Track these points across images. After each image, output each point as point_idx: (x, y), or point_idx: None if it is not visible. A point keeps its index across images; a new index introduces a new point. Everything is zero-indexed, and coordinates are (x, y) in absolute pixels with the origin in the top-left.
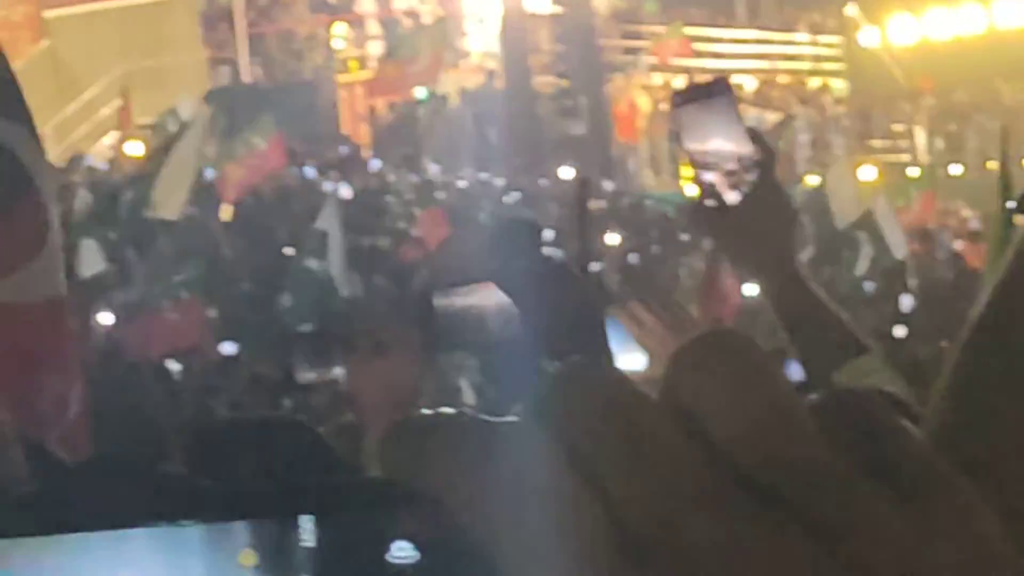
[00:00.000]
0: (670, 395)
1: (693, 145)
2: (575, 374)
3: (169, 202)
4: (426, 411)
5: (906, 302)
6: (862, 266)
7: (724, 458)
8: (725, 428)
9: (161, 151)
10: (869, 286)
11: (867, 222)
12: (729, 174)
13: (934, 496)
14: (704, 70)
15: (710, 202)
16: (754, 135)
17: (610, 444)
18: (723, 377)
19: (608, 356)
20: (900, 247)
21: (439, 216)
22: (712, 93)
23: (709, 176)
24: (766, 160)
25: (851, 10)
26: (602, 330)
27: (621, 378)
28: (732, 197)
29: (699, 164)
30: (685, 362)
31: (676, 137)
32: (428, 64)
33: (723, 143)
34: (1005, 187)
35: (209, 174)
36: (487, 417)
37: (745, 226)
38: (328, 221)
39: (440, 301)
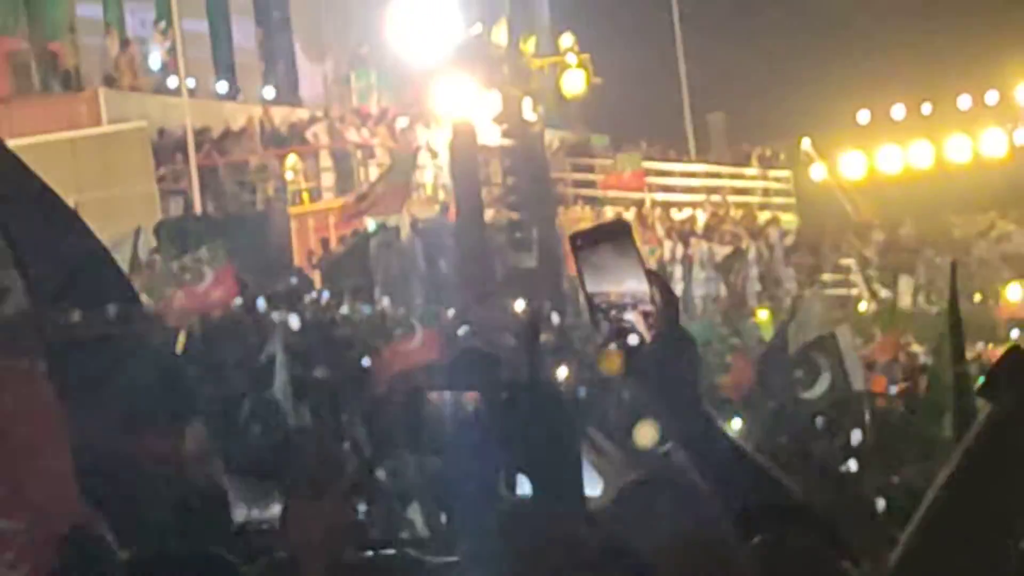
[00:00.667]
0: (613, 531)
1: (594, 287)
2: (523, 513)
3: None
4: (365, 552)
5: (856, 436)
6: (818, 389)
7: None
8: (663, 569)
9: None
10: (819, 421)
11: (828, 347)
12: (630, 316)
13: None
14: (655, 202)
15: (613, 345)
16: (655, 277)
17: None
18: (664, 521)
19: (573, 485)
20: (859, 378)
21: (397, 349)
22: (612, 234)
23: (610, 319)
24: (669, 302)
25: (805, 144)
26: (571, 456)
27: (567, 517)
28: (634, 339)
29: (601, 307)
30: (630, 503)
31: (579, 279)
32: (388, 196)
33: (624, 284)
34: (954, 323)
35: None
36: (430, 558)
37: (650, 369)
38: (275, 350)
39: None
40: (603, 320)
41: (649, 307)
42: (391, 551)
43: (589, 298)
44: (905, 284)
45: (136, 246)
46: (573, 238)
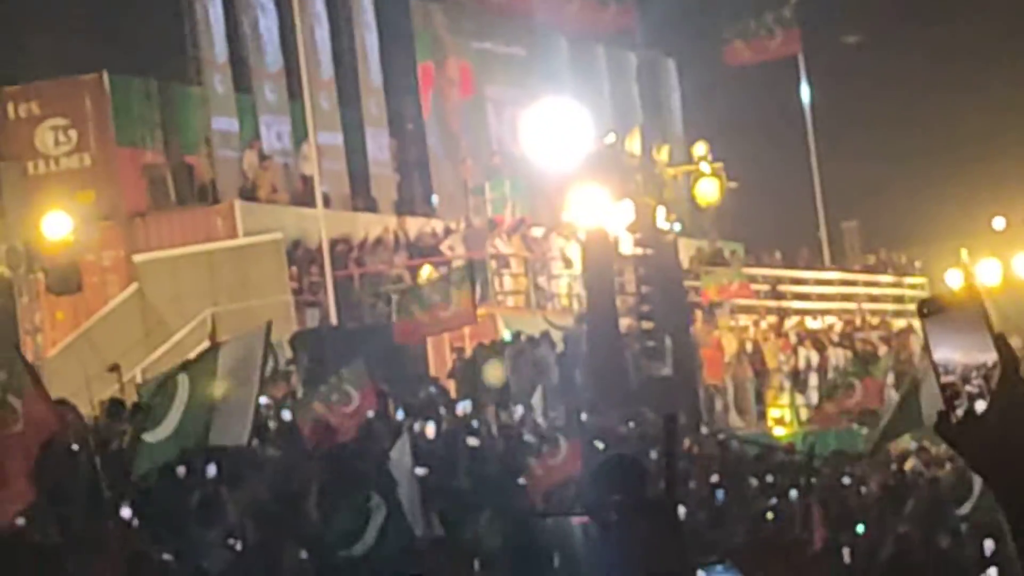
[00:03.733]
0: None
1: (939, 355)
2: None
3: (230, 431)
4: None
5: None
6: (967, 507)
7: None
8: None
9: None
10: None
11: None
12: (974, 383)
13: None
14: (789, 310)
15: (957, 412)
16: (1000, 342)
17: None
18: None
19: None
20: None
21: (547, 464)
22: (962, 304)
23: (954, 385)
24: (1008, 364)
25: (963, 255)
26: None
27: None
28: (979, 406)
29: (944, 373)
30: None
31: (926, 346)
32: (459, 309)
33: (969, 352)
34: None
35: (286, 415)
36: None
37: (991, 432)
38: (401, 454)
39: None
40: (947, 386)
41: (992, 372)
42: None
43: (934, 366)
44: None
45: (276, 354)
46: (921, 305)
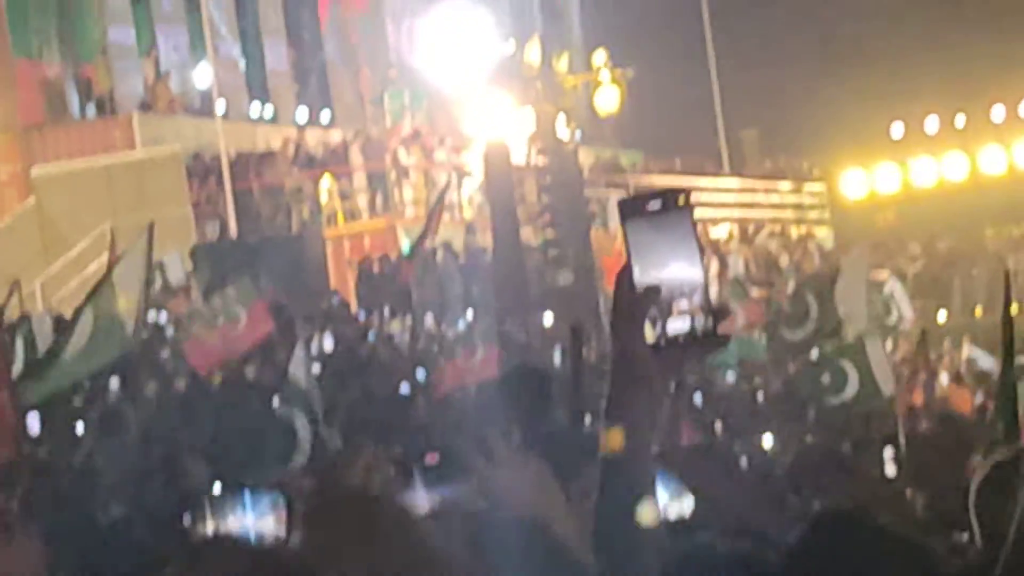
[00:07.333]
0: None
1: (642, 274)
2: None
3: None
4: None
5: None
6: (847, 394)
7: None
8: None
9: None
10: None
11: (856, 352)
12: (684, 305)
13: None
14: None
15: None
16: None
17: None
18: None
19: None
20: (888, 383)
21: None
22: (667, 206)
23: (663, 318)
24: (721, 311)
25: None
26: None
27: None
28: (684, 325)
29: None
30: None
31: (627, 255)
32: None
33: (675, 268)
34: (1007, 331)
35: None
36: None
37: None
38: (297, 367)
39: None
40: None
41: (701, 298)
42: None
43: (630, 269)
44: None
45: (165, 271)
46: (622, 204)
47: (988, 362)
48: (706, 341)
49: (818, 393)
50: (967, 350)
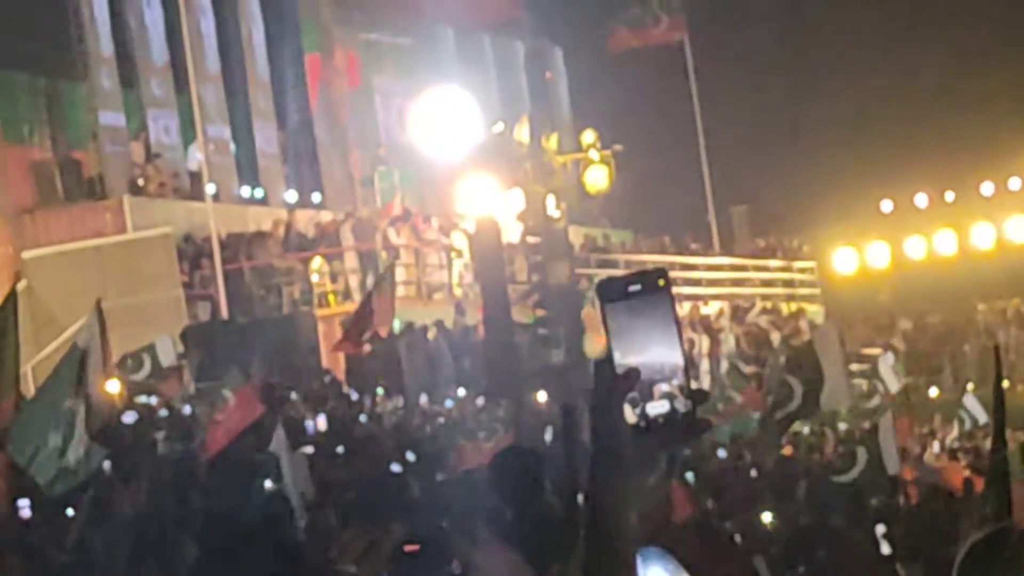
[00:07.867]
0: None
1: (626, 359)
2: None
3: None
4: None
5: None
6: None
7: None
8: None
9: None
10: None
11: (867, 438)
12: (664, 389)
13: None
14: (680, 296)
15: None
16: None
17: None
18: None
19: None
20: (893, 462)
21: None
22: (646, 287)
23: (643, 400)
24: (697, 397)
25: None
26: None
27: None
28: (662, 407)
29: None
30: None
31: (607, 338)
32: (382, 307)
33: (655, 353)
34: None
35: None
36: None
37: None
38: (278, 445)
39: None
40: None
41: (682, 381)
42: None
43: (610, 351)
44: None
45: (156, 354)
46: (601, 286)
47: (984, 416)
48: (687, 424)
49: (815, 470)
50: (967, 400)
